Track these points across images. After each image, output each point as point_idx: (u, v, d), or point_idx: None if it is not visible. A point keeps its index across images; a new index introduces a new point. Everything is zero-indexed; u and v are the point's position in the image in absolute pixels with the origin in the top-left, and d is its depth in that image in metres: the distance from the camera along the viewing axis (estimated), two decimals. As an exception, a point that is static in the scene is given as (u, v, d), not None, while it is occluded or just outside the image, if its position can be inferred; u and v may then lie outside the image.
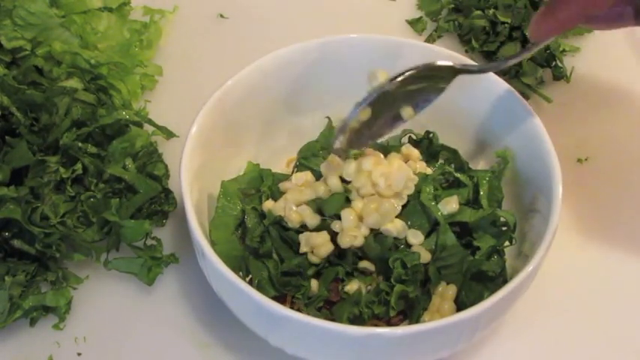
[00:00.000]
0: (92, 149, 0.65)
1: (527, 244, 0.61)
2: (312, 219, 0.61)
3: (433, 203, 0.61)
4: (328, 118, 0.70)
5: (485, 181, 0.64)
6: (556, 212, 0.57)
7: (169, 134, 0.72)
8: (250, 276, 0.62)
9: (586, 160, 0.74)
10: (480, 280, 0.60)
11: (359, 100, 0.60)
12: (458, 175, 0.64)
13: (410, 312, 0.60)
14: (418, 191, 0.62)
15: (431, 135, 0.68)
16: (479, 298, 0.56)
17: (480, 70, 0.62)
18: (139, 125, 0.69)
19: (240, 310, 0.58)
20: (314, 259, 0.61)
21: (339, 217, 0.61)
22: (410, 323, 0.60)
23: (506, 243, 0.62)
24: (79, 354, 0.62)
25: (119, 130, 0.68)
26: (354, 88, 0.69)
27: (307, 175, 0.64)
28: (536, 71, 0.78)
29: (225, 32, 0.84)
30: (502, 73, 0.77)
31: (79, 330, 0.64)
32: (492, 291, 0.55)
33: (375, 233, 0.60)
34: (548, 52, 0.79)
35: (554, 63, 0.79)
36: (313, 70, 0.68)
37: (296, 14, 0.85)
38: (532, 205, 0.62)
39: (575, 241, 0.68)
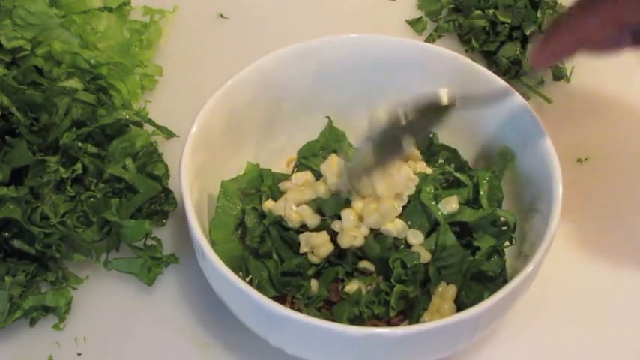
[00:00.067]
0: (92, 149, 0.65)
1: (527, 244, 0.61)
2: (312, 219, 0.61)
3: (433, 203, 0.61)
4: (328, 118, 0.70)
5: (485, 181, 0.64)
6: (556, 212, 0.57)
7: (169, 134, 0.72)
8: (250, 276, 0.62)
9: (586, 160, 0.74)
10: (480, 280, 0.60)
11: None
12: (458, 175, 0.64)
13: (410, 312, 0.60)
14: (419, 191, 0.62)
15: (431, 135, 0.68)
16: (479, 298, 0.56)
17: (481, 103, 0.61)
18: (139, 125, 0.69)
19: (240, 310, 0.58)
20: (314, 259, 0.61)
21: (339, 217, 0.61)
22: (410, 323, 0.60)
23: (507, 243, 0.62)
24: (79, 354, 0.62)
25: (119, 130, 0.68)
26: (354, 88, 0.69)
27: (307, 175, 0.64)
28: (536, 71, 0.78)
29: (225, 32, 0.84)
30: (502, 73, 0.77)
31: (79, 330, 0.64)
32: (492, 291, 0.55)
33: (375, 233, 0.60)
34: (548, 52, 0.79)
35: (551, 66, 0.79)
36: (313, 70, 0.68)
37: (296, 14, 0.85)
38: (532, 205, 0.62)
39: (576, 241, 0.68)
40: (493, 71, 0.66)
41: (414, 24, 0.85)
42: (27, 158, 0.63)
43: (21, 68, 0.70)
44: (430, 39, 0.83)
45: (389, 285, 0.59)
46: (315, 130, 0.69)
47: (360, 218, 0.60)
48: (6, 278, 0.61)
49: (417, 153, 0.65)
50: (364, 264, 0.61)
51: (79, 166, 0.64)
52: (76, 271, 0.66)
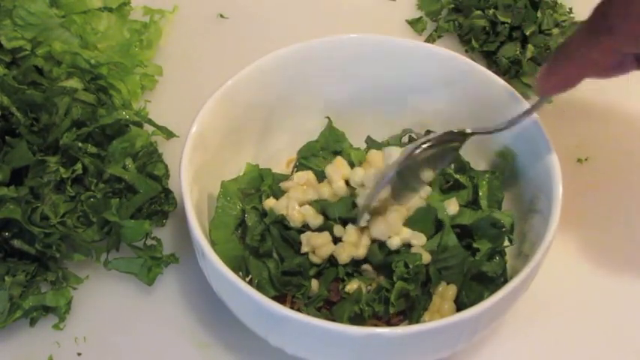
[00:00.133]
0: (92, 149, 0.65)
1: (527, 244, 0.61)
2: (315, 219, 0.61)
3: (442, 205, 0.61)
4: (328, 118, 0.70)
5: (484, 182, 0.64)
6: (556, 212, 0.57)
7: (169, 134, 0.72)
8: (250, 276, 0.62)
9: (586, 160, 0.74)
10: (480, 281, 0.60)
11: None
12: (458, 176, 0.64)
13: (410, 312, 0.60)
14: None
15: (430, 133, 0.68)
16: (479, 299, 0.56)
17: (494, 131, 0.62)
18: (139, 125, 0.69)
19: (240, 310, 0.58)
20: (315, 259, 0.61)
21: (343, 221, 0.61)
22: (410, 323, 0.60)
23: (506, 243, 0.62)
24: (79, 354, 0.62)
25: (119, 130, 0.68)
26: (354, 88, 0.69)
27: (309, 175, 0.64)
28: (536, 71, 0.78)
29: (225, 32, 0.84)
30: (502, 73, 0.77)
31: (79, 330, 0.64)
32: (492, 291, 0.55)
33: (379, 242, 0.60)
34: (548, 51, 0.79)
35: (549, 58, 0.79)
36: (313, 70, 0.68)
37: (296, 14, 0.85)
38: (532, 205, 0.62)
39: (575, 240, 0.68)
40: (493, 71, 0.66)
41: (414, 24, 0.85)
42: (27, 158, 0.63)
43: (21, 68, 0.70)
44: (430, 39, 0.83)
45: (390, 282, 0.59)
46: (315, 130, 0.69)
47: (362, 230, 0.60)
48: (6, 278, 0.61)
49: None
50: (365, 266, 0.61)
51: (79, 166, 0.64)
52: (76, 271, 0.66)
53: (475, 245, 0.61)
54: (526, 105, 0.63)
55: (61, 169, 0.63)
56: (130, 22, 0.79)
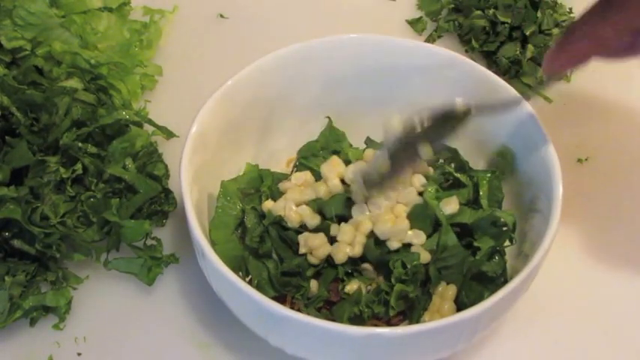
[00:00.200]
0: (92, 149, 0.65)
1: (527, 244, 0.61)
2: (312, 219, 0.61)
3: (436, 203, 0.61)
4: (328, 118, 0.70)
5: (485, 182, 0.64)
6: (556, 212, 0.57)
7: (169, 134, 0.72)
8: (250, 276, 0.62)
9: (586, 160, 0.74)
10: (480, 281, 0.60)
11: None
12: (458, 175, 0.64)
13: (410, 312, 0.60)
14: (420, 193, 0.62)
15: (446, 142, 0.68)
16: (479, 299, 0.56)
17: (499, 107, 0.61)
18: (139, 125, 0.69)
19: (240, 310, 0.58)
20: (313, 260, 0.61)
21: (340, 219, 0.61)
22: (410, 323, 0.60)
23: (507, 243, 0.62)
24: (79, 354, 0.62)
25: (119, 130, 0.68)
26: (354, 88, 0.69)
27: (307, 175, 0.64)
28: (536, 71, 0.78)
29: (225, 32, 0.84)
30: (502, 73, 0.77)
31: (79, 330, 0.64)
32: (492, 291, 0.55)
33: (375, 238, 0.60)
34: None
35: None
36: (313, 70, 0.68)
37: (296, 14, 0.85)
38: (532, 205, 0.62)
39: (575, 240, 0.68)
40: (493, 71, 0.66)
41: (414, 24, 0.85)
42: (27, 158, 0.63)
43: (21, 68, 0.70)
44: (430, 39, 0.83)
45: (389, 285, 0.59)
46: (315, 130, 0.69)
47: (357, 227, 0.60)
48: (6, 278, 0.61)
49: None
50: (364, 265, 0.61)
51: (79, 166, 0.64)
52: (76, 271, 0.66)
53: (476, 244, 0.61)
54: (527, 106, 0.63)
55: (61, 169, 0.63)
56: (130, 22, 0.79)
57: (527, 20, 0.79)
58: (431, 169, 0.64)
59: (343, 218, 0.61)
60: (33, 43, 0.72)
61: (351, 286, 0.60)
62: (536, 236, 0.59)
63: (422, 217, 0.61)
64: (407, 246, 0.61)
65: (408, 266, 0.59)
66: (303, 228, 0.62)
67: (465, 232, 0.62)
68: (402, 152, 0.60)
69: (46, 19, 0.73)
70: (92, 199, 0.64)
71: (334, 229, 0.61)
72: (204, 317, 0.64)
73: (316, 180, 0.64)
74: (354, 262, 0.61)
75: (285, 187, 0.64)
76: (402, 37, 0.71)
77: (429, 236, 0.61)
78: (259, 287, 0.61)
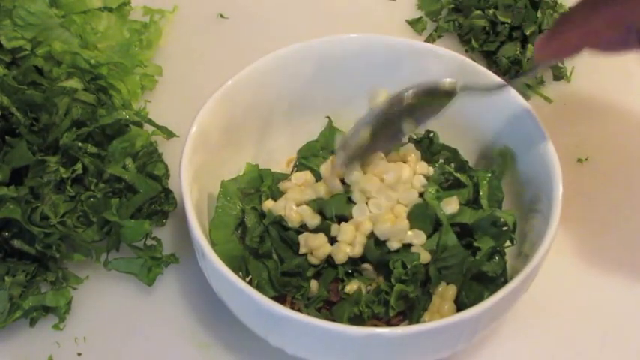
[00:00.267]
0: (92, 149, 0.65)
1: (527, 244, 0.61)
2: (312, 219, 0.61)
3: (436, 203, 0.61)
4: (328, 118, 0.70)
5: (485, 182, 0.64)
6: (556, 212, 0.57)
7: (169, 134, 0.72)
8: (250, 276, 0.62)
9: (586, 160, 0.74)
10: (480, 281, 0.60)
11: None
12: (458, 175, 0.64)
13: (410, 312, 0.60)
14: (421, 193, 0.62)
15: (431, 135, 0.68)
16: (479, 299, 0.56)
17: (484, 89, 0.61)
18: (139, 125, 0.69)
19: (240, 310, 0.58)
20: (313, 260, 0.61)
21: (340, 219, 0.61)
22: (410, 323, 0.60)
23: (507, 243, 0.62)
24: (79, 354, 0.62)
25: (119, 130, 0.68)
26: (354, 88, 0.69)
27: (307, 175, 0.64)
28: (537, 67, 0.78)
29: (225, 32, 0.84)
30: (502, 73, 0.77)
31: (79, 330, 0.64)
32: (492, 291, 0.55)
33: (375, 238, 0.60)
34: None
35: (554, 63, 0.79)
36: (313, 70, 0.68)
37: (296, 14, 0.85)
38: (532, 205, 0.62)
39: (576, 240, 0.68)
40: (493, 71, 0.66)
41: (414, 24, 0.85)
42: (27, 158, 0.63)
43: (21, 68, 0.70)
44: (430, 39, 0.83)
45: (389, 285, 0.59)
46: (315, 130, 0.69)
47: (357, 227, 0.60)
48: (6, 278, 0.61)
49: (417, 154, 0.65)
50: (364, 265, 0.61)
51: (79, 166, 0.64)
52: (76, 271, 0.66)
53: (476, 244, 0.61)
54: (527, 106, 0.63)
55: (61, 169, 0.63)
56: (130, 22, 0.79)
57: (527, 20, 0.79)
58: (431, 170, 0.64)
59: (343, 218, 0.61)
60: (33, 43, 0.72)
61: (351, 286, 0.60)
62: (536, 236, 0.59)
63: (422, 217, 0.61)
64: (407, 246, 0.60)
65: (408, 266, 0.59)
66: (303, 228, 0.62)
67: (465, 232, 0.62)
68: (385, 126, 0.60)
69: (46, 19, 0.73)
70: (92, 199, 0.64)
71: (334, 229, 0.61)
72: (204, 317, 0.64)
73: (316, 180, 0.64)
74: (354, 262, 0.61)
75: (286, 187, 0.64)
76: (402, 37, 0.71)
77: (429, 236, 0.61)
78: (259, 287, 0.61)
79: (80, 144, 0.65)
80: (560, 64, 0.79)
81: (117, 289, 0.66)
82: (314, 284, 0.61)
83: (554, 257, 0.59)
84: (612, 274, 0.67)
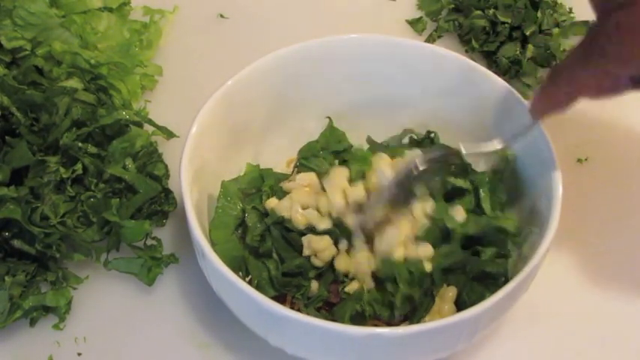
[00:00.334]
0: (92, 149, 0.65)
1: (527, 244, 0.61)
2: (321, 223, 0.61)
3: (448, 217, 0.61)
4: (329, 118, 0.70)
5: (485, 184, 0.63)
6: (556, 212, 0.57)
7: (169, 134, 0.72)
8: (250, 276, 0.62)
9: (586, 160, 0.74)
10: (481, 281, 0.60)
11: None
12: (459, 183, 0.63)
13: (412, 314, 0.60)
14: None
15: (432, 135, 0.68)
16: (480, 299, 0.56)
17: (489, 152, 0.61)
18: (139, 125, 0.69)
19: (240, 310, 0.58)
20: (317, 262, 0.61)
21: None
22: (410, 323, 0.60)
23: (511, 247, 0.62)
24: (79, 354, 0.62)
25: (119, 130, 0.68)
26: (354, 89, 0.69)
27: (311, 177, 0.64)
28: (536, 71, 0.79)
29: (225, 32, 0.84)
30: (502, 73, 0.77)
31: (79, 330, 0.64)
32: (494, 292, 0.55)
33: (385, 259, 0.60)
34: (548, 52, 0.79)
35: (554, 63, 0.79)
36: (313, 70, 0.68)
37: (296, 14, 0.85)
38: (532, 206, 0.62)
39: (575, 241, 0.68)
40: (493, 71, 0.66)
41: (414, 24, 0.85)
42: (27, 158, 0.63)
43: (21, 68, 0.70)
44: (430, 39, 0.83)
45: (394, 287, 0.59)
46: (315, 130, 0.69)
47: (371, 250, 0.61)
48: (6, 278, 0.61)
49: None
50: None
51: (79, 166, 0.64)
52: (76, 271, 0.66)
53: (481, 249, 0.61)
54: (527, 106, 0.63)
55: (61, 169, 0.63)
56: (130, 22, 0.79)
57: (527, 20, 0.79)
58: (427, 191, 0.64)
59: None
60: (33, 43, 0.72)
61: (352, 287, 0.60)
62: (535, 236, 0.58)
63: (431, 232, 0.61)
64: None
65: (414, 271, 0.59)
66: (307, 230, 0.61)
67: (470, 240, 0.61)
68: (397, 194, 0.60)
69: (46, 19, 0.72)
70: (92, 199, 0.64)
71: (343, 245, 0.61)
72: (204, 317, 0.64)
73: (320, 181, 0.64)
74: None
75: (289, 187, 0.64)
76: (402, 37, 0.71)
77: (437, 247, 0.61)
78: (259, 287, 0.60)
79: (80, 144, 0.65)
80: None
81: (117, 289, 0.66)
82: (314, 284, 0.61)
83: (553, 257, 0.59)
84: (612, 274, 0.67)
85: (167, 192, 0.68)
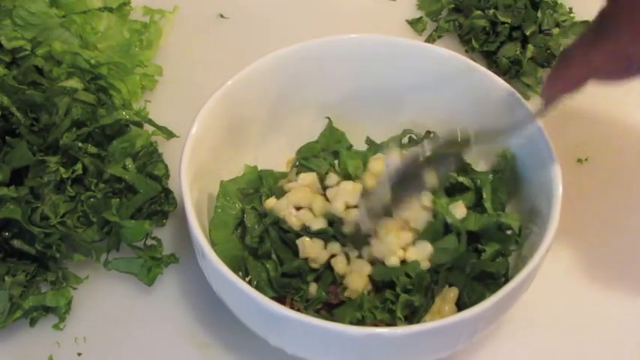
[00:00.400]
0: (92, 149, 0.65)
1: (527, 244, 0.61)
2: (315, 223, 0.61)
3: (451, 213, 0.61)
4: (328, 118, 0.70)
5: (487, 184, 0.63)
6: (556, 212, 0.57)
7: (169, 134, 0.72)
8: (249, 277, 0.62)
9: (586, 160, 0.74)
10: (482, 281, 0.60)
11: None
12: (460, 178, 0.64)
13: (412, 315, 0.60)
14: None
15: (432, 135, 0.68)
16: (480, 299, 0.56)
17: (499, 134, 0.61)
18: (139, 125, 0.69)
19: (240, 310, 0.58)
20: (313, 264, 0.61)
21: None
22: (410, 324, 0.60)
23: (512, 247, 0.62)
24: (79, 354, 0.62)
25: (119, 130, 0.68)
26: (354, 89, 0.69)
27: (312, 177, 0.64)
28: (536, 71, 0.78)
29: (225, 32, 0.84)
30: (502, 73, 0.77)
31: (79, 330, 0.64)
32: (494, 292, 0.55)
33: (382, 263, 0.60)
34: (548, 51, 0.79)
35: (554, 63, 0.79)
36: (313, 71, 0.68)
37: (296, 14, 0.85)
38: (532, 206, 0.62)
39: (575, 241, 0.68)
40: (493, 71, 0.67)
41: (414, 24, 0.85)
42: (27, 158, 0.63)
43: (21, 68, 0.70)
44: (430, 39, 0.83)
45: (394, 294, 0.59)
46: (315, 130, 0.69)
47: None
48: (6, 278, 0.61)
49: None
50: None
51: (79, 166, 0.64)
52: (76, 271, 0.66)
53: (482, 248, 0.61)
54: (527, 106, 0.63)
55: (61, 169, 0.63)
56: (130, 22, 0.79)
57: (527, 20, 0.79)
58: (436, 179, 0.64)
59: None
60: (33, 43, 0.72)
61: (351, 291, 0.60)
62: (535, 236, 0.59)
63: (431, 228, 0.61)
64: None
65: (413, 274, 0.59)
66: (303, 231, 0.61)
67: (470, 236, 0.61)
68: (405, 182, 0.60)
69: (46, 19, 0.72)
70: (92, 199, 0.64)
71: (335, 248, 0.61)
72: (204, 317, 0.64)
73: (320, 181, 0.64)
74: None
75: (290, 186, 0.64)
76: (402, 37, 0.71)
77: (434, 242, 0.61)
78: (258, 288, 0.60)
79: (80, 144, 0.65)
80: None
81: (117, 289, 0.66)
82: (313, 287, 0.61)
83: (554, 257, 0.59)
84: (612, 274, 0.67)
85: (167, 192, 0.68)
